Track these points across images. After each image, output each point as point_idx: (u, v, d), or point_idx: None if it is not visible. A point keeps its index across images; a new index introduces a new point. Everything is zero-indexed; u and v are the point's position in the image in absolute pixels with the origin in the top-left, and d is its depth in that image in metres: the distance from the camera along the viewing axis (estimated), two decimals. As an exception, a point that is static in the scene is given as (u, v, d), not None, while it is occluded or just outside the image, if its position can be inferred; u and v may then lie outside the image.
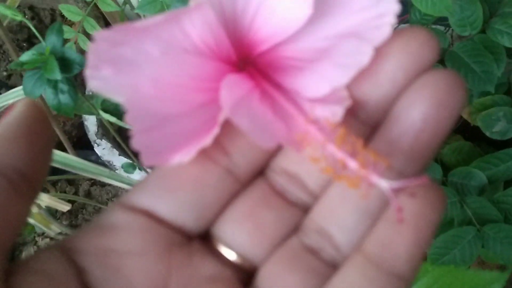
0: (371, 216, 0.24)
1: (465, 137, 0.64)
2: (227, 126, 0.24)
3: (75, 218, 0.88)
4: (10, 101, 0.57)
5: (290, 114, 0.25)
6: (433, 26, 0.64)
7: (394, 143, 0.24)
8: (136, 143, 0.23)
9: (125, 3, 0.74)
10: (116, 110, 0.56)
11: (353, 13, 0.24)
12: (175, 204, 0.25)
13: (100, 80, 0.23)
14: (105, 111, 0.56)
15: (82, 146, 0.89)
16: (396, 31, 0.24)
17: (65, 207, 0.59)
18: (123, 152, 0.82)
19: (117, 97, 0.24)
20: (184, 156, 0.24)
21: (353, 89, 0.24)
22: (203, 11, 0.23)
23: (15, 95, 0.54)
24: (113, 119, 0.54)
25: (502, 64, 0.56)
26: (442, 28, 0.67)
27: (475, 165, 0.56)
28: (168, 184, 0.26)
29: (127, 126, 0.55)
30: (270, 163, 0.27)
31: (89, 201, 0.80)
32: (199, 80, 0.25)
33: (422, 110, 0.24)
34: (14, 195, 0.22)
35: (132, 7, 0.79)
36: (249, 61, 0.27)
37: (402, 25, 0.71)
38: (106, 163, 0.82)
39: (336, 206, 0.25)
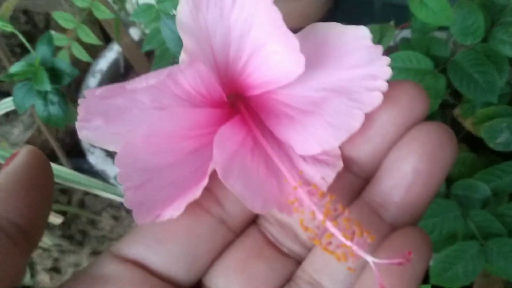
0: (361, 268, 0.24)
1: (469, 146, 0.63)
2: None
3: (68, 229, 0.87)
4: (2, 112, 0.55)
5: (282, 172, 0.24)
6: (434, 34, 0.62)
7: (386, 195, 0.25)
8: (128, 201, 0.23)
9: (120, 9, 0.73)
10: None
11: (345, 68, 0.24)
12: (167, 256, 0.25)
13: (91, 130, 0.23)
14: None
15: (76, 154, 0.88)
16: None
17: (57, 219, 0.58)
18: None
19: (108, 146, 0.24)
20: (175, 210, 0.23)
21: (344, 143, 0.24)
22: (196, 67, 0.23)
23: (6, 105, 0.53)
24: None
25: (505, 74, 0.55)
26: (444, 34, 0.66)
27: (478, 177, 0.55)
28: (160, 235, 0.25)
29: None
30: None
31: (82, 211, 0.78)
32: (189, 129, 0.24)
33: (413, 164, 0.24)
34: (12, 249, 0.22)
35: (127, 13, 0.77)
36: (239, 98, 0.26)
37: (404, 31, 0.70)
38: (100, 172, 0.81)
39: (328, 258, 0.24)
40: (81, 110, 0.23)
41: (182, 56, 0.23)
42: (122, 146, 0.23)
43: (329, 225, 0.22)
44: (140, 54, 0.85)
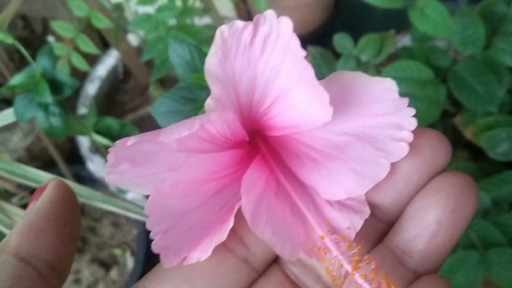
0: None
1: (470, 153, 0.63)
2: (242, 215, 0.24)
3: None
4: (2, 123, 0.55)
5: (307, 218, 0.25)
6: (435, 42, 0.63)
7: (410, 243, 0.25)
8: (156, 246, 0.24)
9: (119, 17, 0.72)
10: (109, 132, 0.55)
11: (369, 116, 0.24)
12: None
13: (118, 174, 0.24)
14: (98, 132, 0.54)
15: (75, 160, 0.87)
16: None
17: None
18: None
19: (134, 188, 0.24)
20: (202, 253, 0.24)
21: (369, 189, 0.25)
22: (224, 116, 0.23)
23: (7, 117, 0.53)
24: (105, 141, 0.53)
25: (505, 83, 0.55)
26: (444, 42, 0.66)
27: (479, 186, 0.55)
28: (185, 274, 0.25)
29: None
30: None
31: (82, 218, 0.78)
32: (214, 172, 0.25)
33: (436, 214, 0.24)
34: (42, 286, 0.22)
35: (126, 20, 0.77)
36: (258, 134, 0.27)
37: (404, 37, 0.70)
38: (99, 179, 0.80)
39: None
40: (111, 157, 0.23)
41: (208, 102, 0.23)
42: (152, 194, 0.24)
43: (357, 277, 0.23)
44: (139, 60, 0.85)
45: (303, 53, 0.21)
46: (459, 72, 0.55)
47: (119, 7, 0.70)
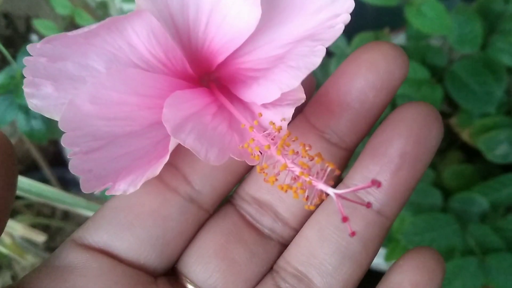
0: (351, 259, 0.23)
1: (467, 155, 0.62)
2: (185, 151, 0.22)
3: (52, 241, 0.84)
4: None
5: (243, 124, 0.23)
6: (430, 42, 0.61)
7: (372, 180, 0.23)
8: (73, 166, 0.21)
9: (104, 15, 0.70)
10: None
11: (308, 15, 0.23)
12: (135, 241, 0.23)
13: (41, 98, 0.22)
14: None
15: (59, 163, 0.85)
16: (362, 47, 0.23)
17: (40, 236, 0.56)
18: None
19: (59, 117, 0.22)
20: (130, 185, 0.21)
21: (322, 111, 0.23)
22: (145, 18, 0.21)
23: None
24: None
25: (503, 83, 0.53)
26: (439, 40, 0.65)
27: (476, 190, 0.53)
28: (124, 219, 0.23)
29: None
30: (238, 190, 0.26)
31: (67, 223, 0.76)
32: (150, 97, 0.22)
33: (399, 146, 0.23)
34: None
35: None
36: (211, 78, 0.25)
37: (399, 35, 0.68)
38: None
39: (314, 248, 0.23)
40: (27, 73, 0.21)
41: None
42: (66, 106, 0.21)
43: (286, 159, 0.21)
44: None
45: None
46: (456, 72, 0.53)
47: (103, 5, 0.67)
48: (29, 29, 1.01)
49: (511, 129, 0.53)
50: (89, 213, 0.51)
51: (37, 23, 0.61)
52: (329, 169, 0.20)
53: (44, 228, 0.83)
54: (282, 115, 0.22)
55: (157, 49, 0.22)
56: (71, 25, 0.61)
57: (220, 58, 0.24)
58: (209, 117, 0.23)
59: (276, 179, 0.21)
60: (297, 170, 0.20)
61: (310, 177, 0.20)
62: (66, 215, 0.85)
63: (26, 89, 0.21)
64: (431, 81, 0.54)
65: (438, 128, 0.23)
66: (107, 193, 0.22)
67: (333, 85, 0.24)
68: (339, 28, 0.22)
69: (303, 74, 0.22)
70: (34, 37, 0.97)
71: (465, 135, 0.56)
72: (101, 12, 0.68)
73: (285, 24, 0.23)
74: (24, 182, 0.49)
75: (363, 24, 0.73)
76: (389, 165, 0.23)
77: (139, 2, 0.21)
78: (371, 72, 0.23)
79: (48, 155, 0.87)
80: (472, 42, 0.54)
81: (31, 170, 0.84)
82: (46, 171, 0.80)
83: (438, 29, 0.51)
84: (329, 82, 0.23)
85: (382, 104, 0.24)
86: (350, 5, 0.22)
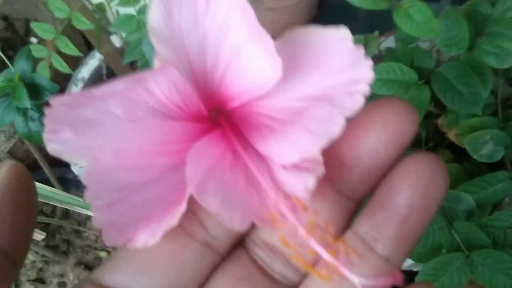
0: None
1: (454, 155, 0.63)
2: None
3: (52, 239, 0.85)
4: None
5: (262, 185, 0.23)
6: (418, 44, 0.62)
7: (380, 229, 0.24)
8: (97, 220, 0.22)
9: (101, 18, 0.71)
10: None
11: (327, 75, 0.23)
12: (152, 285, 0.24)
13: (60, 143, 0.22)
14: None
15: (59, 163, 0.86)
16: (375, 103, 0.24)
17: (39, 235, 0.57)
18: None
19: (79, 161, 0.23)
20: (149, 236, 0.22)
21: (334, 164, 0.24)
22: (168, 72, 0.22)
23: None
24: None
25: (489, 85, 0.55)
26: (427, 42, 0.66)
27: (463, 188, 0.55)
28: (143, 263, 0.24)
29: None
30: (250, 233, 0.26)
31: (66, 222, 0.77)
32: (166, 144, 0.23)
33: (407, 197, 0.24)
34: None
35: (108, 23, 0.76)
36: (221, 112, 0.25)
37: (388, 39, 0.69)
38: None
39: None
40: (47, 121, 0.21)
41: (156, 64, 0.22)
42: (91, 162, 0.22)
43: (313, 242, 0.21)
44: (122, 62, 0.84)
45: (248, 6, 0.20)
46: (443, 74, 0.54)
47: (100, 8, 0.69)
48: (29, 31, 1.02)
49: (497, 129, 0.55)
50: (88, 213, 0.52)
51: (34, 26, 0.62)
52: (352, 254, 0.21)
53: (44, 226, 0.84)
54: (303, 182, 0.23)
55: (176, 97, 0.22)
56: (69, 28, 0.62)
57: (235, 103, 0.24)
58: (227, 170, 0.23)
59: (303, 259, 0.22)
60: (324, 255, 0.21)
61: (337, 262, 0.21)
62: (66, 214, 0.87)
63: (46, 135, 0.21)
64: (419, 83, 0.55)
65: (445, 179, 0.24)
66: (128, 248, 0.22)
67: (346, 139, 0.24)
68: (359, 100, 0.22)
69: (323, 142, 0.22)
70: (33, 39, 0.98)
71: (452, 135, 0.57)
72: (98, 15, 0.69)
73: (302, 78, 0.23)
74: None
75: (354, 27, 0.74)
76: (397, 215, 0.24)
77: (159, 49, 0.22)
78: (383, 129, 0.24)
79: (48, 155, 0.88)
80: (459, 44, 0.55)
81: (32, 170, 0.85)
82: (46, 170, 0.81)
83: (425, 32, 0.52)
84: (342, 135, 0.23)
85: (392, 159, 0.24)
86: (370, 74, 0.22)
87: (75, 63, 0.90)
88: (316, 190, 0.23)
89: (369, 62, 0.22)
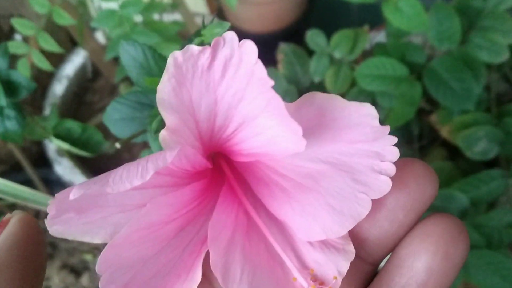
0: None
1: (448, 152, 0.62)
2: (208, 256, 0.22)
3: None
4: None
5: (287, 264, 0.22)
6: (411, 39, 0.61)
7: None
8: None
9: (84, 14, 0.69)
10: (70, 135, 0.52)
11: (345, 142, 0.22)
12: None
13: (62, 224, 0.21)
14: (58, 136, 0.52)
15: (43, 164, 0.84)
16: (395, 163, 0.22)
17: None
18: (85, 172, 0.78)
19: (82, 237, 0.22)
20: None
21: (352, 229, 0.23)
22: (182, 153, 0.21)
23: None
24: (66, 145, 0.50)
25: (482, 80, 0.53)
26: (419, 37, 0.65)
27: (456, 187, 0.53)
28: None
29: (80, 154, 0.51)
30: None
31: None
32: (173, 212, 0.22)
33: (426, 262, 0.23)
34: None
35: (91, 18, 0.74)
36: (222, 157, 0.24)
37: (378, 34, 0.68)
38: (67, 183, 0.78)
39: None
40: (51, 209, 0.20)
41: (163, 134, 0.21)
42: (105, 251, 0.21)
43: None
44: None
45: (270, 81, 0.19)
46: (435, 69, 0.53)
47: (82, 3, 0.67)
48: (13, 28, 1.00)
49: (491, 126, 0.53)
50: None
51: (14, 22, 0.60)
52: None
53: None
54: (333, 264, 0.22)
55: (185, 164, 0.22)
56: (53, 24, 0.61)
57: (242, 159, 0.23)
58: (246, 243, 0.23)
59: None
60: None
61: None
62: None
63: (48, 221, 0.21)
64: (410, 78, 0.54)
65: (465, 243, 0.23)
66: None
67: None
68: (386, 183, 0.21)
69: (349, 224, 0.21)
70: (17, 36, 0.96)
71: (444, 132, 0.56)
72: (81, 10, 0.67)
73: (316, 139, 0.22)
74: (1, 184, 0.49)
75: (345, 21, 0.73)
76: (415, 279, 0.23)
77: (165, 115, 0.21)
78: (401, 193, 0.23)
79: (31, 156, 0.86)
80: (451, 38, 0.53)
81: (15, 171, 0.83)
82: (29, 171, 0.79)
83: (415, 26, 0.50)
84: None
85: (411, 223, 0.23)
86: (395, 151, 0.21)
87: (59, 60, 0.88)
88: None
89: (393, 139, 0.21)
